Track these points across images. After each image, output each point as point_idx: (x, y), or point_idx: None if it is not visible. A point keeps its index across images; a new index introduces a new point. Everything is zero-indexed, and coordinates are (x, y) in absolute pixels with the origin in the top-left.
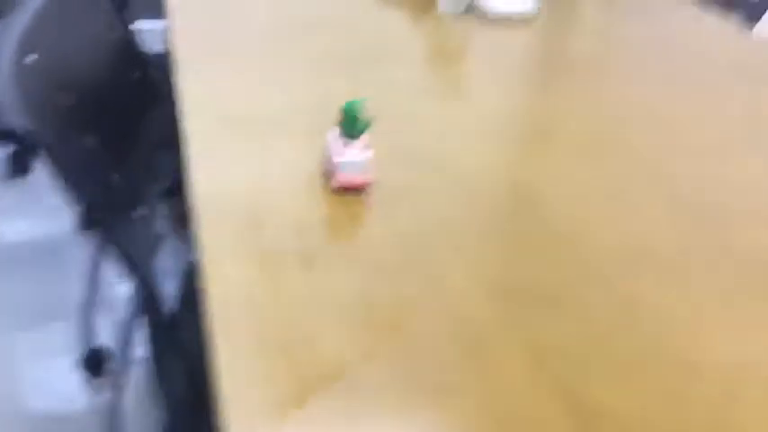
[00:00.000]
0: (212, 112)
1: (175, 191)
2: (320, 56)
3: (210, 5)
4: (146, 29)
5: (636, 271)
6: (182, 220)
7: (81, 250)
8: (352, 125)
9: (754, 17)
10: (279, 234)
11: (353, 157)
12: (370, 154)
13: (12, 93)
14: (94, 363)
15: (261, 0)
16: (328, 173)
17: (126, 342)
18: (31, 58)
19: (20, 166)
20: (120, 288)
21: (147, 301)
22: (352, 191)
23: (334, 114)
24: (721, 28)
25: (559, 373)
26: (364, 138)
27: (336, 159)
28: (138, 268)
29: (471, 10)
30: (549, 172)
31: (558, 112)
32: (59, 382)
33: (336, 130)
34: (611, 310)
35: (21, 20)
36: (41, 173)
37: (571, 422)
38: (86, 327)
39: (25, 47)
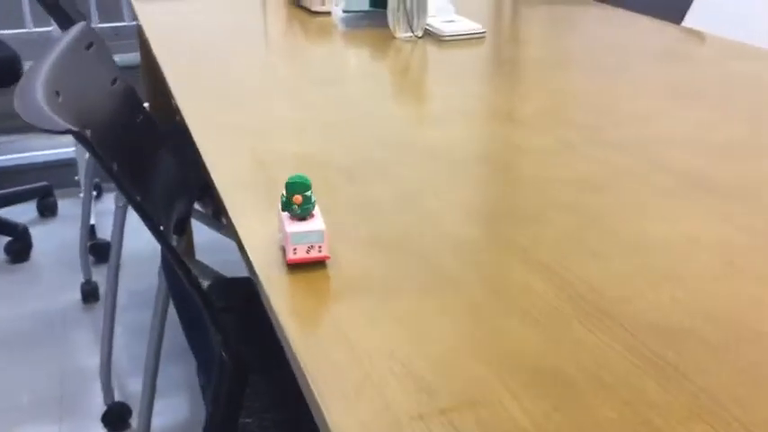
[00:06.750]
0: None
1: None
2: (296, 81)
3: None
4: None
5: (595, 193)
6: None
7: (82, 328)
8: (295, 204)
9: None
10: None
11: (305, 228)
12: (322, 225)
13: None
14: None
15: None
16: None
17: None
18: (59, 98)
19: (18, 255)
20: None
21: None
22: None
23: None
24: (643, 26)
25: (545, 260)
26: (314, 212)
27: (288, 229)
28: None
29: (426, 34)
30: (511, 142)
31: (514, 100)
32: None
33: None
34: (576, 217)
35: (44, 66)
36: (40, 258)
37: (552, 290)
38: (107, 383)
39: (52, 88)
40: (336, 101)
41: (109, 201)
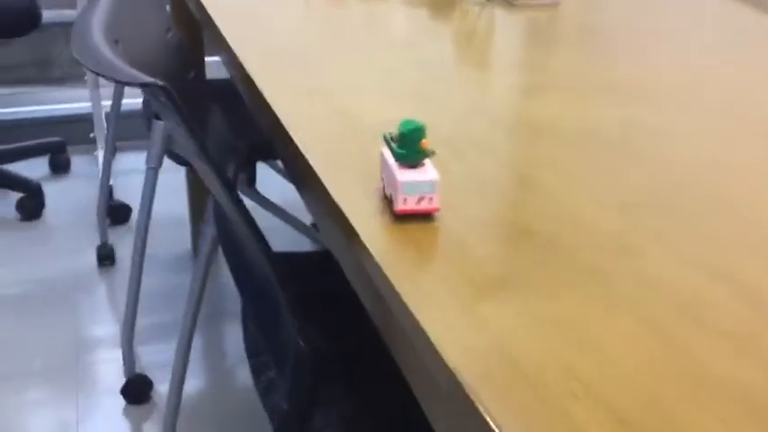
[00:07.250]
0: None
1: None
2: (363, 42)
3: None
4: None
5: (754, 187)
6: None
7: (97, 292)
8: (411, 152)
9: None
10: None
11: (417, 177)
12: (435, 174)
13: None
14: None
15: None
16: (389, 196)
17: None
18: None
19: (31, 213)
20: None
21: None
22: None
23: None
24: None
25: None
26: (424, 162)
27: (400, 178)
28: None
29: None
30: (635, 120)
31: (616, 73)
32: None
33: (389, 151)
34: (736, 212)
35: (100, 12)
36: (52, 217)
37: (735, 299)
38: (128, 354)
39: (110, 34)
40: (413, 65)
41: (123, 161)
